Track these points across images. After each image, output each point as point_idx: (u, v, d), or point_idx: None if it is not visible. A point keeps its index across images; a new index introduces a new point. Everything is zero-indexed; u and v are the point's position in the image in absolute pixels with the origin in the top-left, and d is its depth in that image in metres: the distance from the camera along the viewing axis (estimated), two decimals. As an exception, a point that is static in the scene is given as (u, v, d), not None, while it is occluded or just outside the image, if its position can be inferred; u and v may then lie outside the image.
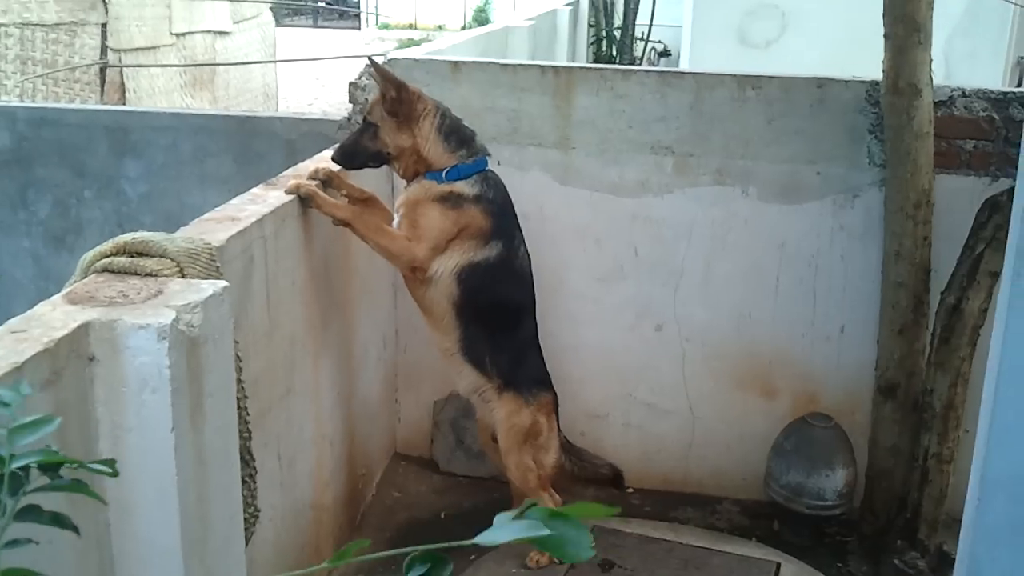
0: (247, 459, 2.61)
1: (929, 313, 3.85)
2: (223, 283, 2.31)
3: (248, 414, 2.64)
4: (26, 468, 0.99)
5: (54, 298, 2.20)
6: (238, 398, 2.50)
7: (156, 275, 2.32)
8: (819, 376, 4.22)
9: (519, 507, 0.97)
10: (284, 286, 3.20)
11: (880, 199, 3.97)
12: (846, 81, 3.98)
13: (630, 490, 4.34)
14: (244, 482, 2.58)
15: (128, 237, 2.43)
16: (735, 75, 4.07)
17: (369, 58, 3.61)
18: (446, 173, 3.44)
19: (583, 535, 0.95)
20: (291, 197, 3.23)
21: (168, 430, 2.08)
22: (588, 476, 4.13)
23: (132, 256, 2.38)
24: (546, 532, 0.94)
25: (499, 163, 4.22)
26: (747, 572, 3.82)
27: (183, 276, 2.36)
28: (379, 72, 3.43)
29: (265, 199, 3.18)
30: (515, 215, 3.65)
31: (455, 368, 3.68)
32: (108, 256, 2.39)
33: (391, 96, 3.40)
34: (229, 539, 2.42)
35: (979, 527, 1.45)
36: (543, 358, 3.82)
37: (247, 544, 2.59)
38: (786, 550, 3.97)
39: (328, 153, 3.93)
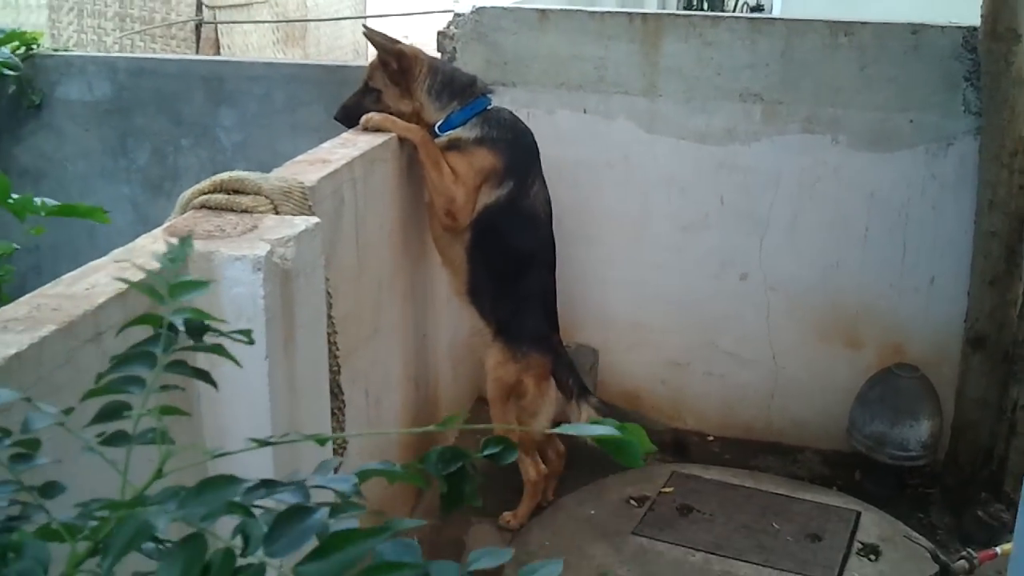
0: (336, 392, 2.71)
1: (1022, 264, 3.77)
2: (315, 220, 2.39)
3: (338, 349, 2.72)
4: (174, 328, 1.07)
5: (155, 231, 2.31)
6: (328, 332, 2.59)
7: (251, 211, 2.41)
8: (906, 327, 4.17)
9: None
10: (373, 228, 3.28)
11: (974, 148, 3.88)
12: (942, 27, 3.88)
13: (711, 438, 4.36)
14: (333, 414, 2.68)
15: (225, 175, 2.53)
16: (827, 21, 4.00)
17: (364, 26, 3.63)
18: (438, 127, 3.47)
19: (637, 446, 1.06)
20: (380, 140, 3.30)
21: (263, 358, 2.17)
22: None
23: (229, 193, 2.47)
24: (616, 433, 1.04)
25: (585, 111, 4.25)
26: (827, 520, 3.82)
27: (277, 213, 2.45)
28: (375, 41, 3.47)
29: (355, 143, 3.26)
30: (532, 150, 3.63)
31: (463, 309, 3.72)
32: (206, 193, 2.49)
33: (392, 67, 3.45)
34: (319, 453, 2.52)
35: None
36: (550, 318, 3.75)
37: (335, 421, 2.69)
38: (867, 500, 3.96)
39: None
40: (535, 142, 3.65)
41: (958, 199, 3.96)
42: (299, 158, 3.04)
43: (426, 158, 3.43)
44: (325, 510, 0.92)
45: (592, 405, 3.76)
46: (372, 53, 3.60)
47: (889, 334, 4.19)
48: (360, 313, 3.22)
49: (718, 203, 4.26)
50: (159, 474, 1.01)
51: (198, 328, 1.10)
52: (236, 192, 2.48)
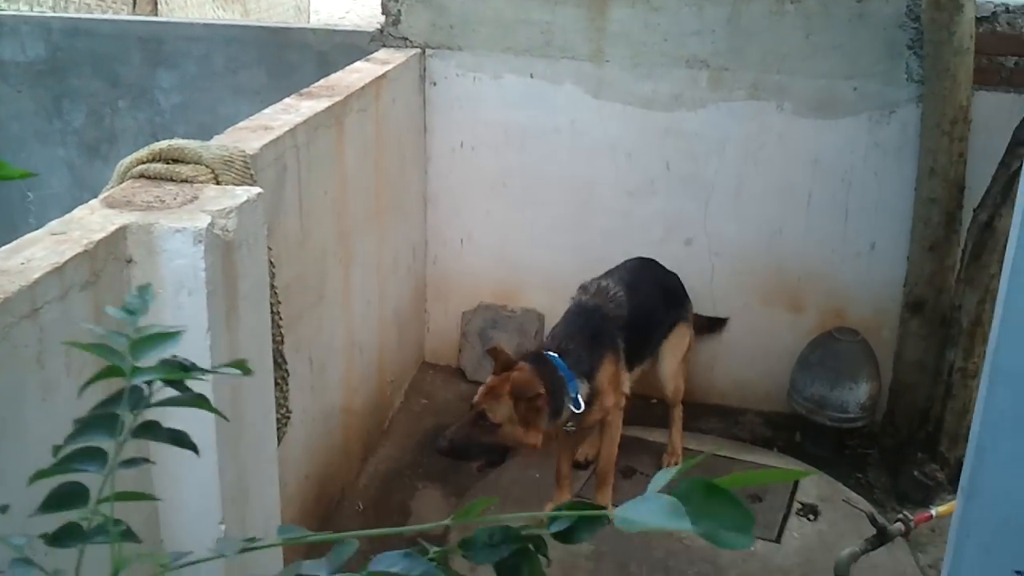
0: (279, 362, 2.68)
1: (961, 230, 3.84)
2: (257, 189, 2.35)
3: (281, 319, 2.70)
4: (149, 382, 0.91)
5: (92, 202, 2.25)
6: (271, 303, 2.56)
7: (191, 181, 2.36)
8: (847, 292, 4.23)
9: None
10: (316, 195, 3.24)
11: (917, 115, 3.92)
12: (886, -6, 3.91)
13: (654, 401, 4.39)
14: (277, 384, 2.65)
15: (164, 144, 2.47)
16: (772, -13, 4.01)
17: (494, 348, 3.43)
18: (575, 411, 3.35)
19: (745, 518, 0.82)
20: (323, 106, 3.25)
21: (204, 331, 2.14)
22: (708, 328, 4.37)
23: (168, 162, 2.42)
24: (689, 526, 0.81)
25: (531, 76, 4.23)
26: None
27: (218, 182, 2.40)
28: (527, 382, 3.22)
29: (298, 109, 3.21)
30: (602, 312, 3.61)
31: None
32: (144, 162, 2.43)
33: (532, 405, 3.21)
34: (262, 438, 2.50)
35: (986, 416, 1.50)
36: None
37: (279, 444, 2.68)
38: (807, 461, 4.03)
39: (360, 64, 3.95)
40: (592, 302, 3.63)
41: (900, 166, 4.01)
42: (240, 125, 2.99)
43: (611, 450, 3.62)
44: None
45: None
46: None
47: (830, 298, 4.25)
48: (304, 281, 3.19)
49: (664, 169, 4.28)
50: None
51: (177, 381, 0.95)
52: (176, 161, 2.43)
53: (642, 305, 3.71)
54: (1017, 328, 1.46)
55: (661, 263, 4.05)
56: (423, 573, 0.90)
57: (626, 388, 3.60)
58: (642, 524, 0.80)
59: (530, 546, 0.92)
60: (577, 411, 3.34)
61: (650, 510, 0.81)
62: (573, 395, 3.33)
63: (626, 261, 3.95)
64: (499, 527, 0.91)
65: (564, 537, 0.89)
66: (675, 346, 3.92)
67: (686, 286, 4.27)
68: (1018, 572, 1.56)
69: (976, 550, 1.59)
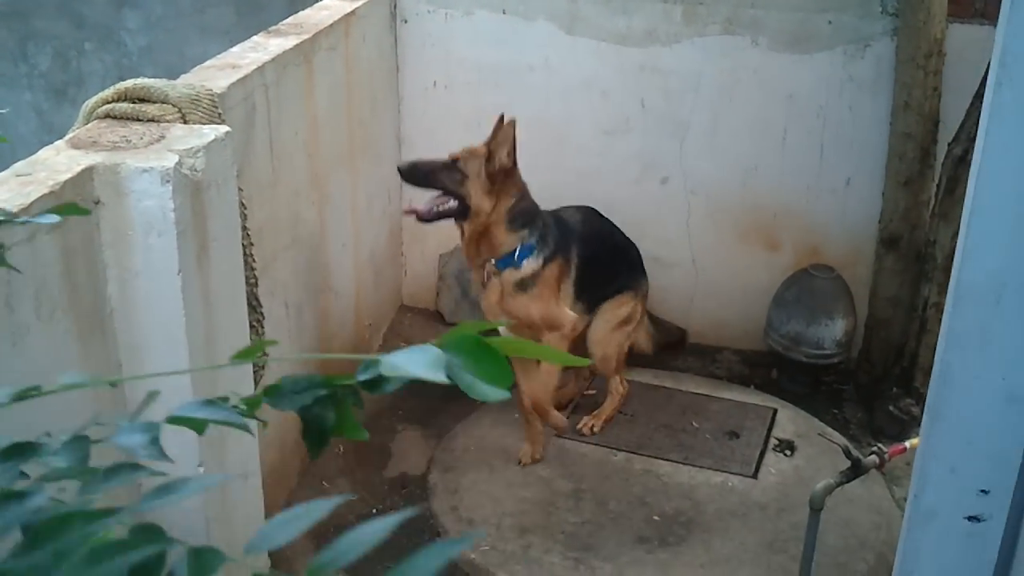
0: (254, 304, 2.66)
1: (935, 165, 3.83)
2: (225, 128, 2.32)
3: (254, 260, 2.67)
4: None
5: (57, 143, 2.21)
6: (244, 245, 2.53)
7: (158, 121, 2.32)
8: (823, 229, 4.23)
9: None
10: (287, 136, 3.19)
11: (891, 49, 3.90)
12: (861, -74, 3.86)
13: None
14: (252, 327, 2.64)
15: (130, 83, 2.42)
16: (747, -81, 3.95)
17: (513, 121, 3.40)
18: (518, 256, 3.43)
19: (504, 373, 0.85)
20: (292, 44, 3.21)
21: (175, 273, 2.11)
22: (665, 342, 4.30)
23: (134, 102, 2.38)
24: (444, 377, 0.82)
25: (504, 12, 4.17)
26: (744, 417, 3.92)
27: (185, 122, 2.36)
28: (510, 137, 3.34)
29: (266, 47, 3.16)
30: (572, 229, 3.68)
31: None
32: (110, 102, 2.39)
33: (503, 166, 3.33)
34: (238, 382, 2.49)
35: (950, 332, 1.51)
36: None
37: (256, 386, 2.67)
38: (783, 397, 4.07)
39: (330, 1, 3.88)
40: (566, 218, 3.72)
41: (875, 101, 3.99)
42: (207, 63, 2.93)
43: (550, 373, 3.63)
44: (44, 494, 0.76)
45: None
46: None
47: (806, 236, 4.25)
48: (277, 223, 3.16)
49: (639, 107, 4.24)
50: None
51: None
52: (142, 100, 2.39)
53: (595, 245, 3.76)
54: (982, 243, 1.46)
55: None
56: (224, 419, 0.89)
57: (568, 313, 3.56)
58: (403, 371, 0.82)
59: (338, 393, 0.93)
60: (517, 266, 3.43)
61: (413, 360, 0.83)
62: (527, 246, 3.44)
63: (589, 208, 3.94)
64: (305, 375, 0.92)
65: (370, 386, 0.90)
66: (613, 311, 3.83)
67: (662, 225, 4.26)
68: (983, 491, 1.58)
69: (942, 470, 1.61)
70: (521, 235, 3.43)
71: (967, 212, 1.46)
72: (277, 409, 0.93)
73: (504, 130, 3.34)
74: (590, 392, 4.04)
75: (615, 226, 3.99)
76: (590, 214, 3.90)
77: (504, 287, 3.46)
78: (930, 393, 1.59)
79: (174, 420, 0.88)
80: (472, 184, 3.35)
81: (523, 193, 3.46)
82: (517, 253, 3.43)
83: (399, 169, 3.50)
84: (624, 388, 3.91)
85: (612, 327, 3.82)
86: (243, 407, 0.92)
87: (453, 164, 3.37)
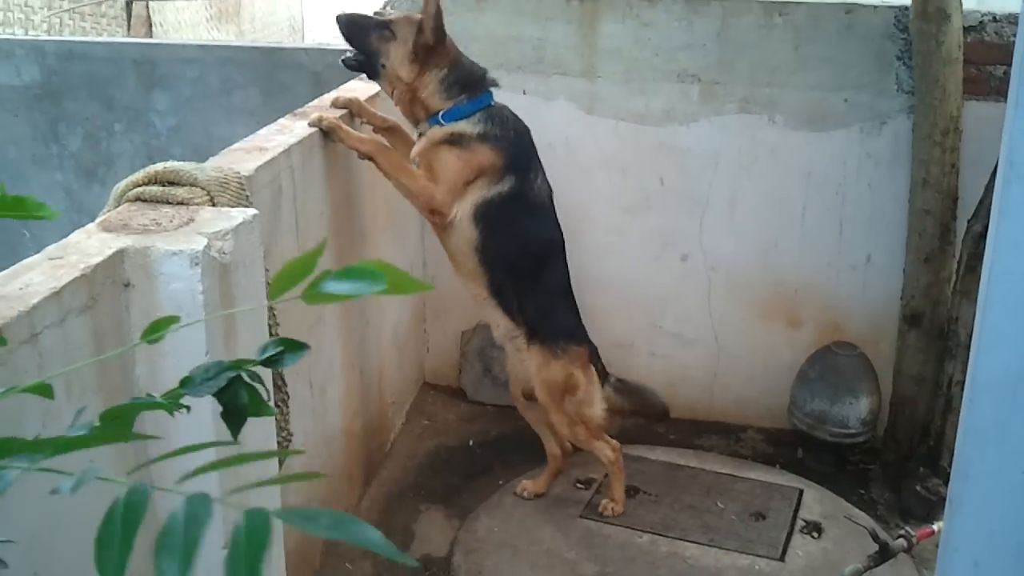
0: (279, 384, 2.68)
1: (955, 241, 3.84)
2: (252, 211, 2.35)
3: (279, 340, 2.69)
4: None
5: (89, 226, 2.25)
6: (269, 324, 2.56)
7: (187, 203, 2.36)
8: (844, 305, 4.23)
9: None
10: (312, 216, 3.24)
11: (908, 126, 3.94)
12: (874, 7, 3.93)
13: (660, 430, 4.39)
14: (277, 407, 2.65)
15: (160, 166, 2.47)
16: (762, 2, 4.03)
17: None
18: (443, 115, 3.39)
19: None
20: (316, 128, 3.25)
21: (203, 354, 2.13)
22: (641, 410, 4.03)
23: (164, 185, 2.42)
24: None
25: (524, 92, 4.23)
26: (770, 498, 3.88)
27: (214, 205, 2.40)
28: (436, 11, 3.33)
29: (292, 130, 3.21)
30: (531, 148, 3.56)
31: (488, 314, 3.62)
32: (140, 185, 2.43)
33: (426, 41, 3.35)
34: (263, 462, 2.49)
35: (969, 426, 1.50)
36: (575, 308, 3.70)
37: (280, 468, 2.67)
38: (809, 477, 4.02)
39: (354, 83, 3.96)
40: (532, 138, 3.58)
41: (893, 177, 4.02)
42: (235, 146, 2.99)
43: (389, 167, 3.35)
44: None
45: (612, 386, 3.79)
46: (309, 29, 3.53)
47: (828, 312, 4.25)
48: (302, 303, 3.18)
49: (658, 184, 4.28)
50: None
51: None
52: (171, 183, 2.43)
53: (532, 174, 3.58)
54: (997, 338, 1.46)
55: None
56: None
57: (444, 195, 3.38)
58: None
59: (245, 377, 1.02)
60: (442, 124, 3.38)
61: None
62: (457, 108, 3.39)
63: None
64: (213, 362, 1.03)
65: (270, 363, 1.01)
66: (545, 371, 3.57)
67: (683, 302, 4.26)
68: None
69: (965, 564, 1.59)
70: (458, 100, 3.40)
71: (980, 308, 1.47)
72: (195, 396, 1.02)
73: (429, 4, 3.34)
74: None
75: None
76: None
77: (427, 140, 3.42)
78: (951, 487, 1.58)
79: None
80: (396, 47, 3.37)
81: (456, 65, 3.43)
82: (443, 114, 3.40)
83: (337, 19, 3.49)
84: (613, 452, 3.69)
85: (553, 400, 3.59)
86: (165, 403, 1.01)
87: (386, 25, 3.40)
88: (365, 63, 3.46)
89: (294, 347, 1.04)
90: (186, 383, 1.01)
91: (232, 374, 1.02)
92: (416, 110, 3.44)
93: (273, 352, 1.02)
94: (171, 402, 1.01)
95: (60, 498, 0.92)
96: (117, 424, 1.00)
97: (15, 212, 1.28)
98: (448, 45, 3.42)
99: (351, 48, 3.47)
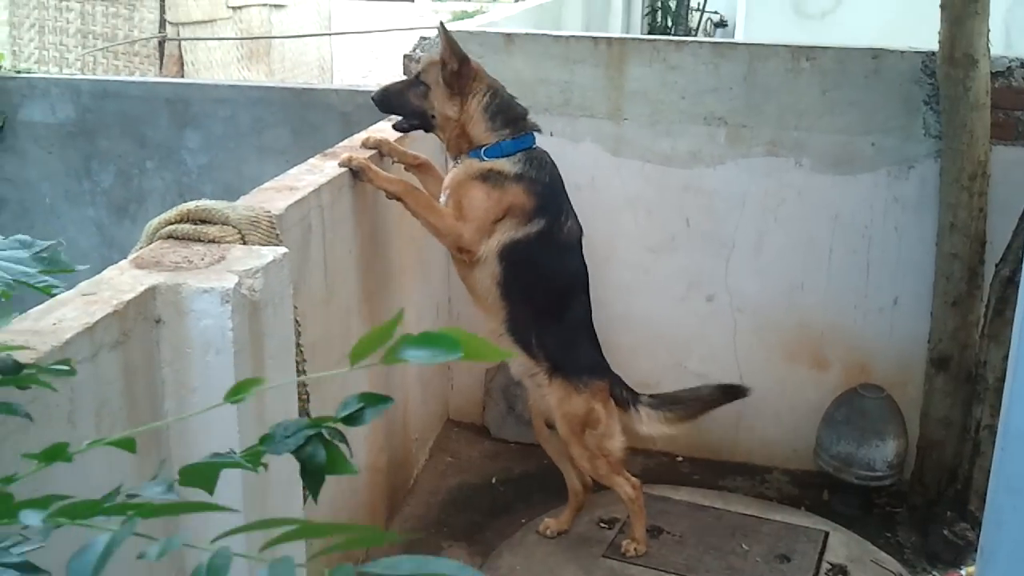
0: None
1: (983, 285, 3.83)
2: (283, 249, 2.39)
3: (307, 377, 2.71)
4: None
5: (122, 263, 2.29)
6: (297, 361, 2.58)
7: (219, 241, 2.40)
8: (871, 348, 4.21)
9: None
10: (341, 254, 3.27)
11: (935, 170, 3.94)
12: (901, 52, 3.94)
13: (679, 459, 4.37)
14: (303, 443, 2.66)
15: (192, 205, 2.51)
16: (789, 46, 4.06)
17: (441, 23, 3.53)
18: (485, 151, 3.41)
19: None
20: (346, 168, 3.29)
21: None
22: (702, 410, 3.88)
23: (195, 223, 2.46)
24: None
25: (551, 134, 4.25)
26: (795, 540, 3.85)
27: (244, 243, 2.44)
28: (447, 40, 3.38)
29: (322, 169, 3.26)
30: (564, 193, 3.58)
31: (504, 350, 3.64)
32: (172, 223, 2.47)
33: (451, 68, 3.38)
34: (288, 496, 2.51)
35: (1001, 477, 1.49)
36: (597, 343, 3.71)
37: (304, 502, 2.68)
38: (835, 520, 4.00)
39: (383, 124, 4.00)
40: (564, 185, 3.59)
41: (920, 221, 4.01)
42: (266, 185, 3.03)
43: (417, 207, 3.37)
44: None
45: (647, 404, 3.76)
46: (338, 70, 3.59)
47: (854, 354, 4.23)
48: (329, 339, 3.20)
49: (684, 225, 4.30)
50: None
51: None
52: (203, 222, 2.47)
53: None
54: (1026, 392, 1.46)
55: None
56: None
57: (474, 235, 3.39)
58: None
59: (325, 434, 1.01)
60: (482, 159, 3.41)
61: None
62: (500, 145, 3.42)
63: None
64: (292, 420, 1.01)
65: (351, 421, 1.00)
66: (565, 404, 3.60)
67: (708, 342, 4.26)
68: None
69: (999, 612, 1.57)
70: (501, 134, 3.44)
71: (1013, 357, 1.47)
72: (274, 453, 1.01)
73: (447, 37, 3.39)
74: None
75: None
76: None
77: (463, 171, 3.43)
78: (983, 535, 1.57)
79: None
80: (434, 94, 3.42)
81: (494, 91, 3.47)
82: (485, 149, 3.42)
83: (372, 99, 3.55)
84: (633, 490, 3.68)
85: (574, 434, 3.60)
86: (246, 462, 1.00)
87: (416, 79, 3.47)
88: (418, 124, 3.53)
89: (375, 401, 1.02)
90: (265, 440, 1.01)
91: (311, 431, 1.01)
92: (462, 143, 3.47)
93: (354, 409, 1.00)
94: (252, 460, 1.01)
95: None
96: (198, 480, 1.01)
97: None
98: (475, 67, 3.46)
99: (394, 113, 3.57)
